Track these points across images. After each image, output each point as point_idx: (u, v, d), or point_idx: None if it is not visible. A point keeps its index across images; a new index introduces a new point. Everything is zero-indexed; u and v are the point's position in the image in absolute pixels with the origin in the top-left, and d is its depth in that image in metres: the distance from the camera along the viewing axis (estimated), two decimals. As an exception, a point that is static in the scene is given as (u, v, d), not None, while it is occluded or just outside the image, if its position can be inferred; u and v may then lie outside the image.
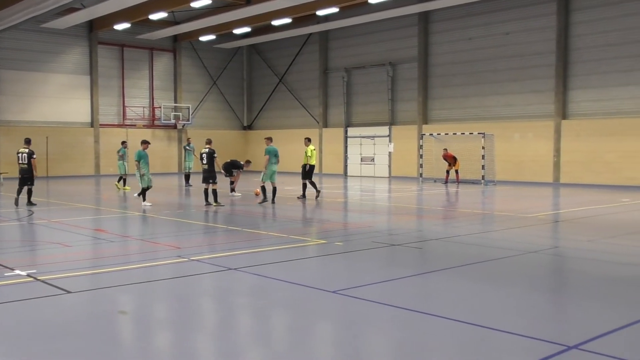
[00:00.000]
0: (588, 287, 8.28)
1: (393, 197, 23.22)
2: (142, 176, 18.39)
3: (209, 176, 18.41)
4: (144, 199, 18.29)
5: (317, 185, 20.93)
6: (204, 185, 18.63)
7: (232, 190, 22.07)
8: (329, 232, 13.27)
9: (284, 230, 13.27)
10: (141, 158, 18.49)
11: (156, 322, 6.74)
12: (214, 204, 18.07)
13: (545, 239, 12.73)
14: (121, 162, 25.53)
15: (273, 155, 19.15)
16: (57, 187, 27.33)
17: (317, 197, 20.53)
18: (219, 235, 12.80)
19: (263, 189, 19.18)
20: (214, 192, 18.31)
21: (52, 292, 7.64)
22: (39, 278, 8.29)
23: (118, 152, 25.96)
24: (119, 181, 25.47)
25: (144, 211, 16.84)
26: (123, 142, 26.52)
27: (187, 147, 27.64)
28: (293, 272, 9.07)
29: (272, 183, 19.02)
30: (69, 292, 7.64)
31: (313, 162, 20.78)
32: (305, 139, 21.46)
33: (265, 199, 18.97)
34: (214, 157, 18.67)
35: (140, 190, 18.78)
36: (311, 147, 20.80)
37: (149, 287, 8.15)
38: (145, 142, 19.07)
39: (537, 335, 5.99)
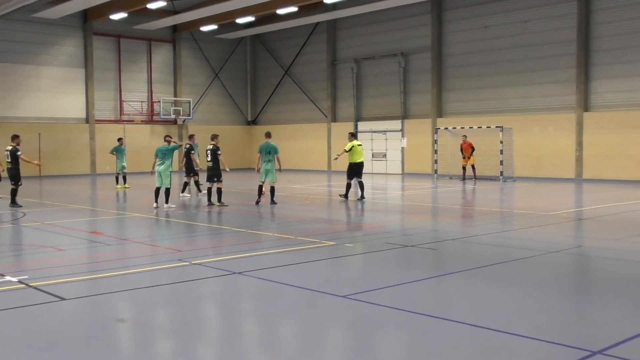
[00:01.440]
0: (613, 288, 8.23)
1: (406, 195, 23.18)
2: (167, 173, 18.00)
3: (214, 174, 18.34)
4: (167, 201, 18.00)
5: (364, 189, 20.10)
6: (207, 184, 18.59)
7: (199, 190, 21.89)
8: (339, 233, 13.25)
9: (290, 232, 13.25)
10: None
11: (156, 330, 6.73)
12: (217, 203, 18.05)
13: (568, 238, 12.67)
14: (117, 160, 25.90)
15: (264, 152, 18.60)
16: (50, 187, 27.42)
17: (343, 196, 19.89)
18: (221, 237, 12.79)
19: (259, 188, 18.83)
20: (219, 191, 18.25)
21: (45, 299, 7.64)
22: (31, 284, 8.29)
23: (112, 151, 26.13)
24: (118, 181, 25.74)
25: (168, 214, 16.66)
26: (119, 139, 26.55)
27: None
28: (300, 276, 9.04)
29: (270, 182, 18.67)
30: (63, 299, 7.64)
31: (357, 159, 20.00)
32: (349, 133, 21.09)
33: (258, 201, 18.61)
34: (218, 154, 18.52)
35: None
36: (355, 142, 20.14)
37: (148, 293, 8.14)
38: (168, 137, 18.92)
39: (560, 340, 5.94)
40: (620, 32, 27.66)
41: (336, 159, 22.02)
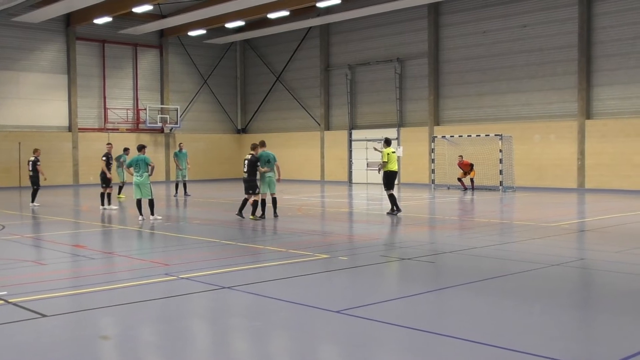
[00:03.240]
0: (617, 302, 8.25)
1: (403, 206, 23.16)
2: (147, 185, 17.91)
3: (249, 186, 17.87)
4: (152, 212, 17.93)
5: (398, 203, 19.10)
6: (245, 196, 18.08)
7: (109, 202, 21.71)
8: (333, 246, 13.24)
9: (282, 244, 13.24)
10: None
11: (142, 348, 6.69)
12: (251, 216, 17.76)
13: (570, 250, 12.70)
14: (120, 169, 26.32)
15: (263, 162, 18.07)
16: (30, 199, 27.28)
17: (391, 212, 18.73)
18: (211, 251, 12.77)
19: (263, 202, 18.23)
20: (254, 203, 17.81)
21: (25, 315, 7.60)
22: (10, 300, 8.24)
23: (118, 158, 26.41)
24: (119, 193, 26.08)
25: (153, 226, 16.61)
26: (125, 149, 26.68)
27: (179, 153, 27.55)
28: (293, 290, 9.03)
29: (271, 194, 18.49)
30: (44, 315, 7.60)
31: (392, 167, 19.01)
32: (384, 140, 19.91)
33: (262, 215, 18.05)
34: (257, 165, 17.81)
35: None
36: (389, 149, 19.16)
37: (134, 308, 8.11)
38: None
39: (562, 357, 5.95)
40: (623, 37, 27.84)
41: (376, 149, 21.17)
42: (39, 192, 23.61)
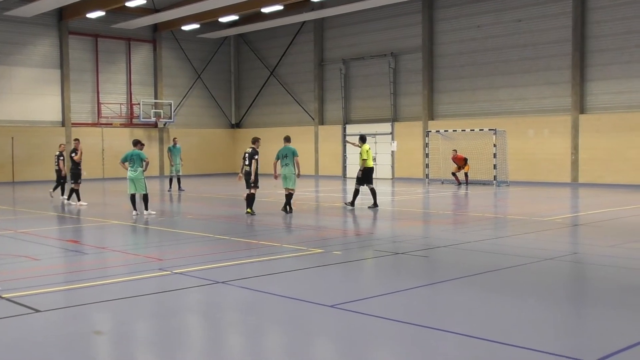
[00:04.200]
0: (609, 297, 8.29)
1: (397, 201, 23.22)
2: (141, 180, 17.88)
3: (249, 179, 17.76)
4: (147, 207, 17.93)
5: (376, 196, 19.49)
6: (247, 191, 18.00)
7: (69, 197, 21.86)
8: (327, 240, 13.25)
9: (276, 239, 13.25)
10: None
11: (136, 343, 6.70)
12: (248, 210, 17.58)
13: (563, 244, 12.74)
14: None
15: (281, 156, 18.21)
16: (24, 194, 27.25)
17: (373, 206, 19.09)
18: (204, 245, 12.77)
19: (287, 197, 18.15)
20: (251, 197, 17.74)
21: (18, 311, 7.60)
22: (3, 296, 8.24)
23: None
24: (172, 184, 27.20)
25: (148, 221, 16.62)
26: (174, 139, 28.50)
27: (173, 148, 27.55)
28: (287, 285, 9.05)
29: (288, 189, 18.21)
30: (37, 310, 7.59)
31: (370, 164, 19.53)
32: (360, 137, 20.29)
33: (285, 208, 18.11)
34: (254, 158, 17.75)
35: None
36: (367, 146, 19.69)
37: (127, 303, 8.12)
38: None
39: (554, 350, 5.98)
40: (617, 31, 27.90)
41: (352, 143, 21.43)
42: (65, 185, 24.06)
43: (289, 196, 18.17)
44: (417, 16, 34.27)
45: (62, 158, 23.41)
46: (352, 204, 19.31)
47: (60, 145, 24.33)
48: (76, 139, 23.44)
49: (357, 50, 37.24)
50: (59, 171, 23.46)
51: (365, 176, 19.47)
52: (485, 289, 8.64)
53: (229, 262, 10.58)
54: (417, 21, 34.31)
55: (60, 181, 23.40)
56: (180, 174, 27.54)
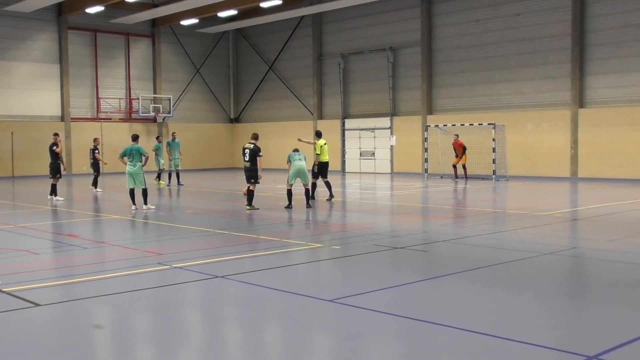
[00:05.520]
0: (609, 291, 8.29)
1: (396, 195, 23.23)
2: (140, 175, 17.87)
3: (251, 175, 17.67)
4: (146, 202, 17.90)
5: (331, 188, 20.13)
6: (248, 186, 17.90)
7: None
8: (325, 235, 13.26)
9: (275, 234, 13.25)
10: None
11: (135, 337, 6.71)
12: (247, 207, 17.54)
13: (562, 239, 12.75)
14: (156, 157, 27.30)
15: (295, 155, 18.29)
16: (23, 188, 27.25)
17: (330, 198, 19.78)
18: (203, 240, 12.77)
19: (289, 192, 18.06)
20: (251, 193, 17.67)
21: (18, 305, 7.60)
22: (3, 290, 8.24)
23: (155, 148, 27.71)
24: (156, 178, 27.34)
25: (147, 216, 16.60)
26: (157, 137, 29.57)
27: (172, 143, 27.55)
28: (285, 280, 9.05)
29: (304, 184, 18.27)
30: (37, 304, 7.60)
31: (325, 158, 20.18)
32: (315, 132, 20.97)
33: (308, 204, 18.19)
34: (259, 155, 17.59)
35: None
36: (322, 141, 20.18)
37: (127, 298, 8.12)
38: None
39: (554, 345, 5.99)
40: (616, 25, 27.85)
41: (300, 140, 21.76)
42: (99, 179, 25.02)
43: (307, 191, 18.32)
44: (415, 10, 34.20)
45: (97, 152, 24.82)
46: (313, 197, 19.63)
47: (95, 140, 25.58)
48: (55, 133, 22.77)
49: (355, 44, 37.17)
50: (96, 164, 24.52)
51: (321, 170, 20.19)
52: (484, 284, 8.64)
53: (228, 257, 10.59)
54: (415, 15, 34.25)
55: (95, 174, 24.50)
56: (180, 168, 27.54)
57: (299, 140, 21.33)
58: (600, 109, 28.42)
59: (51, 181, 21.44)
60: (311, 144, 20.44)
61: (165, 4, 36.17)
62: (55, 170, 21.49)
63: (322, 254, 10.93)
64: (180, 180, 27.29)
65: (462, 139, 30.09)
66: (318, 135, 20.58)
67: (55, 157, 21.66)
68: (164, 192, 24.84)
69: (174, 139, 27.85)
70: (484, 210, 17.64)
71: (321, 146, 20.05)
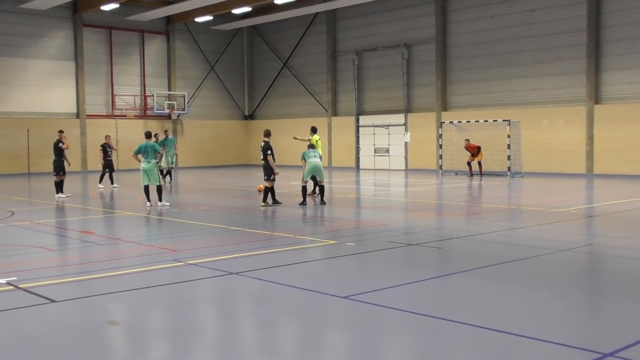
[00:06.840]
0: (625, 288, 8.23)
1: (410, 192, 23.17)
2: (154, 171, 17.91)
3: (264, 172, 17.71)
4: (160, 199, 17.95)
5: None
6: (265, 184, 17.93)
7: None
8: (340, 232, 13.24)
9: (289, 230, 13.26)
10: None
11: (150, 333, 6.73)
12: (262, 204, 17.60)
13: (578, 235, 12.68)
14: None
15: (310, 151, 18.26)
16: (39, 185, 27.39)
17: (312, 192, 19.49)
18: (218, 237, 12.80)
19: (304, 189, 18.13)
20: (265, 190, 17.66)
21: (35, 301, 7.65)
22: (20, 286, 8.29)
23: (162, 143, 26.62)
24: (164, 176, 26.19)
25: (161, 212, 16.66)
26: (166, 132, 28.70)
27: (165, 141, 27.15)
28: (300, 276, 9.05)
29: (318, 181, 18.25)
30: (53, 301, 7.65)
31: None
32: (311, 128, 20.91)
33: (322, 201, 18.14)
34: (268, 153, 17.53)
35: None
36: (315, 137, 20.18)
37: (142, 294, 8.15)
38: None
39: (570, 342, 5.95)
40: (633, 20, 27.61)
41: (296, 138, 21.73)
42: (114, 174, 25.17)
43: (322, 188, 18.24)
44: (430, 7, 34.08)
45: (109, 148, 24.98)
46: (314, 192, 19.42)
47: (106, 137, 25.59)
48: (60, 130, 22.15)
49: (370, 41, 37.09)
50: (109, 160, 24.71)
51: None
52: (499, 281, 8.60)
53: (243, 254, 10.60)
54: (430, 12, 34.12)
55: (105, 171, 24.68)
56: (172, 166, 27.22)
57: (295, 138, 21.39)
58: (616, 105, 28.21)
59: (54, 179, 21.14)
60: (306, 140, 20.33)
61: (180, 1, 36.23)
62: (58, 168, 21.20)
63: (336, 251, 10.92)
64: (171, 178, 26.99)
65: (476, 136, 29.96)
66: (313, 130, 20.61)
67: (59, 154, 21.28)
68: (178, 189, 24.90)
69: (166, 137, 27.60)
70: (499, 207, 17.56)
71: (316, 141, 19.91)
